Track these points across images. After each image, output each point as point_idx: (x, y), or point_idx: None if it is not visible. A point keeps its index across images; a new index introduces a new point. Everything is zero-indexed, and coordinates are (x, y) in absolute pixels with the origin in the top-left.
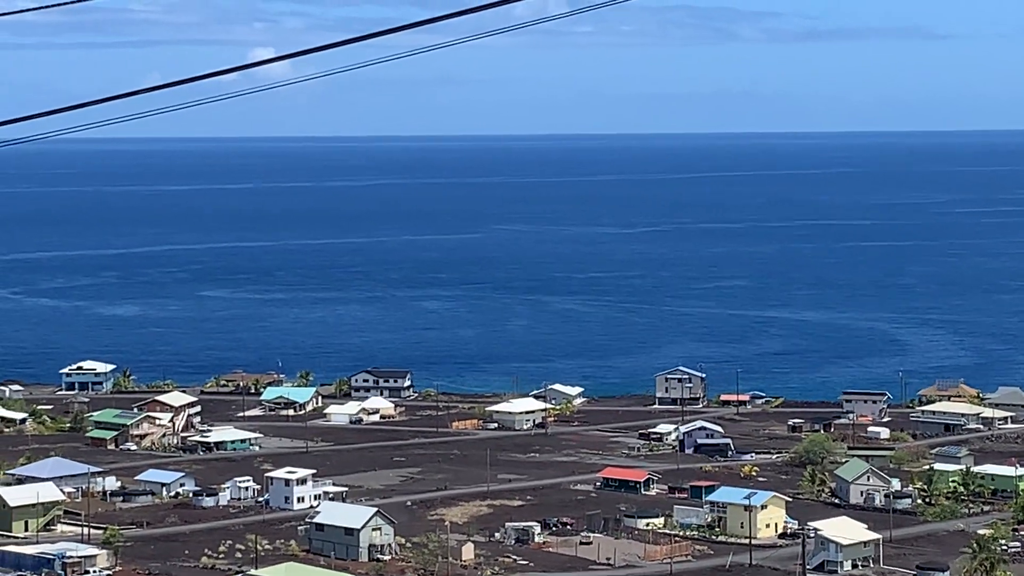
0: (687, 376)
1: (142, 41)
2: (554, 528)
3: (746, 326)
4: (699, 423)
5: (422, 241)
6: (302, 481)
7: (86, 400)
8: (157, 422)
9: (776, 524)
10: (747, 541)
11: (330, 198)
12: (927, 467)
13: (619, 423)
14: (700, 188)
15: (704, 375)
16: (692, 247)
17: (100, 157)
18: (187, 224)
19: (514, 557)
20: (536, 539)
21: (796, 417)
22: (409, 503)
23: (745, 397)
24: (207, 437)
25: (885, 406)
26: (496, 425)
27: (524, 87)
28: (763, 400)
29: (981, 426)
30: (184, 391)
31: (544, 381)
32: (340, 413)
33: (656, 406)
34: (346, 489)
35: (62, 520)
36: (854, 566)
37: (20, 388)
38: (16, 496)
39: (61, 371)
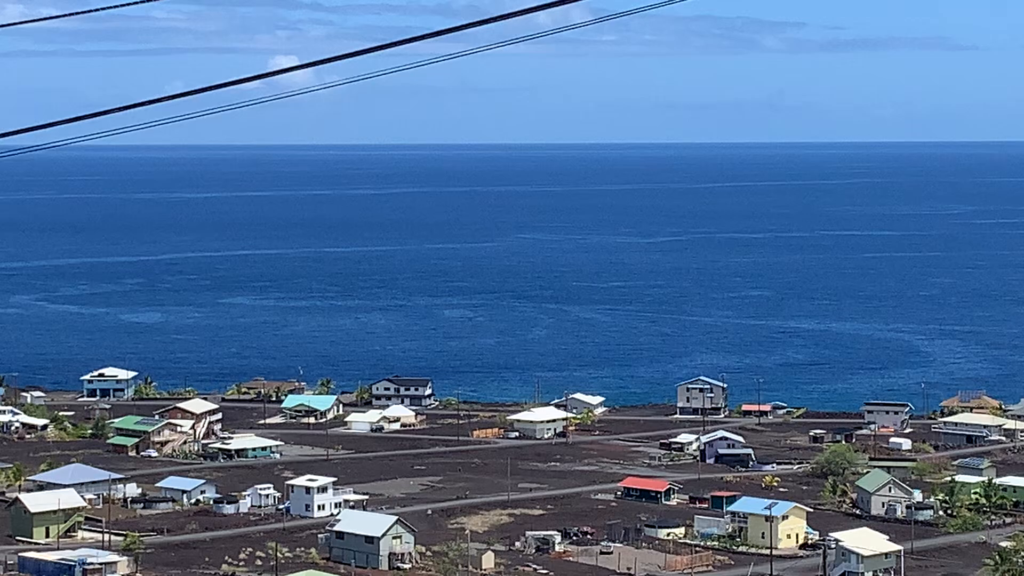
0: (708, 386)
1: (164, 49)
2: (574, 537)
3: (768, 336)
4: (720, 433)
5: (444, 250)
6: (323, 489)
7: (107, 407)
8: (178, 429)
9: (797, 535)
10: (768, 552)
11: (352, 206)
12: (949, 478)
13: (640, 433)
14: (722, 198)
15: (725, 385)
16: (714, 257)
17: (122, 164)
18: (209, 232)
19: (534, 566)
20: (556, 548)
21: (818, 428)
22: (429, 511)
23: (766, 407)
24: (228, 444)
25: (907, 417)
26: (517, 434)
27: (547, 96)
28: (784, 410)
29: (1003, 438)
30: (205, 398)
31: (565, 390)
32: (361, 421)
33: (677, 416)
34: (367, 497)
35: (83, 526)
36: None
37: (42, 394)
38: (37, 502)
39: (83, 378)
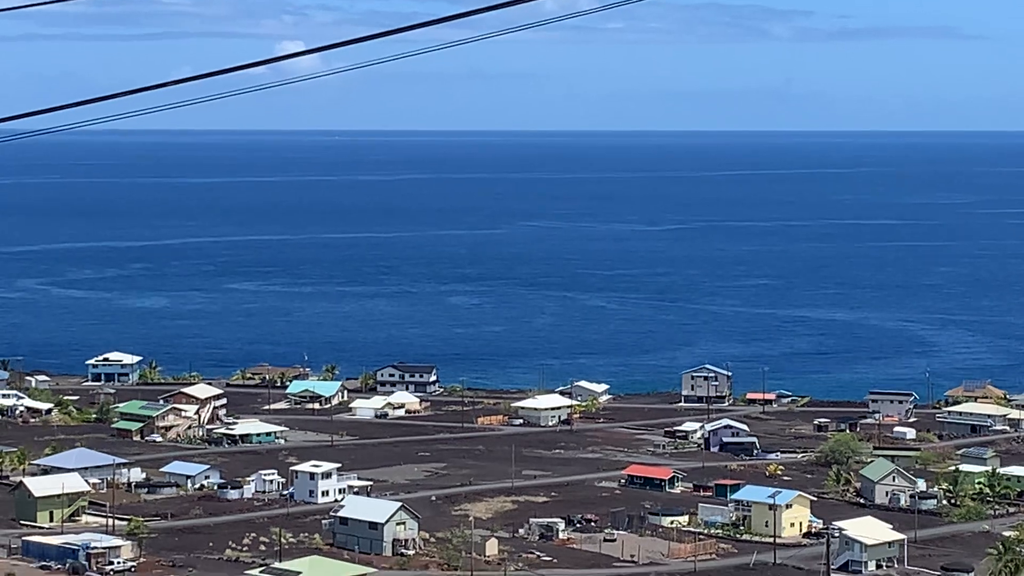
0: (713, 374)
1: (171, 33)
2: (578, 525)
3: (773, 325)
4: (725, 421)
5: (449, 236)
6: (327, 475)
7: (112, 391)
8: (183, 414)
9: (801, 523)
10: (771, 540)
11: (358, 192)
12: (953, 468)
13: (644, 420)
14: (727, 187)
15: (730, 373)
16: (720, 245)
17: (128, 149)
18: (215, 217)
19: (538, 553)
20: (560, 535)
21: (822, 416)
22: (433, 498)
23: (771, 396)
24: (232, 430)
25: (911, 406)
26: (521, 421)
27: (553, 83)
28: (789, 399)
29: (1008, 427)
30: (210, 383)
31: (570, 378)
32: (365, 407)
33: (682, 404)
34: (371, 483)
35: (87, 511)
36: (878, 566)
37: (47, 378)
38: (41, 486)
39: (87, 362)
